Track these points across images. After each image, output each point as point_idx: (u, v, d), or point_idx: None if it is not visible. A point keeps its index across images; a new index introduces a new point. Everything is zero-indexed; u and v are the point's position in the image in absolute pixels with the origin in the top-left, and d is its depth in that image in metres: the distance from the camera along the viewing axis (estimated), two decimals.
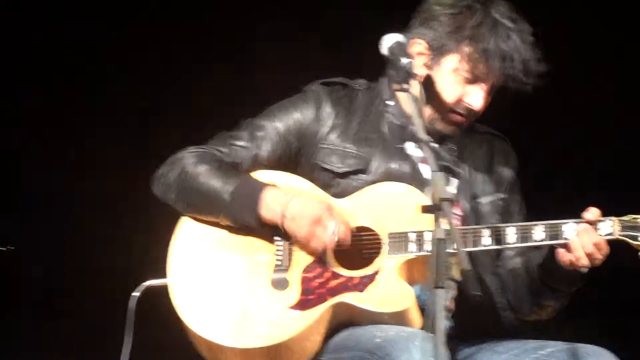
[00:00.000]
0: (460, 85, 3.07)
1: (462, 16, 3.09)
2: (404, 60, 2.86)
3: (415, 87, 2.90)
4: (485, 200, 3.24)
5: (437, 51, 3.09)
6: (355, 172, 3.16)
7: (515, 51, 3.04)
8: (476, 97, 3.07)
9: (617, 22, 4.68)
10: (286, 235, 3.03)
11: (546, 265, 3.06)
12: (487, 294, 3.22)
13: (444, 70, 3.09)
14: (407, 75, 2.84)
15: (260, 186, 3.04)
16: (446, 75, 3.08)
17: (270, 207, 3.00)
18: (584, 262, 2.92)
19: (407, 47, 2.96)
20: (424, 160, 2.93)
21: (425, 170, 3.00)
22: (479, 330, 3.18)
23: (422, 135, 2.67)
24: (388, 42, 2.90)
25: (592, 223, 2.93)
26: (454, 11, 3.10)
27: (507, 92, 3.10)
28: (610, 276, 3.57)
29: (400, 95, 3.13)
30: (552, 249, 3.01)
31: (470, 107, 3.09)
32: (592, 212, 2.94)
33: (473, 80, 3.06)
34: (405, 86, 2.84)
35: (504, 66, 3.04)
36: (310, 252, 3.04)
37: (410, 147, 3.15)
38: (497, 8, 3.08)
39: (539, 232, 2.97)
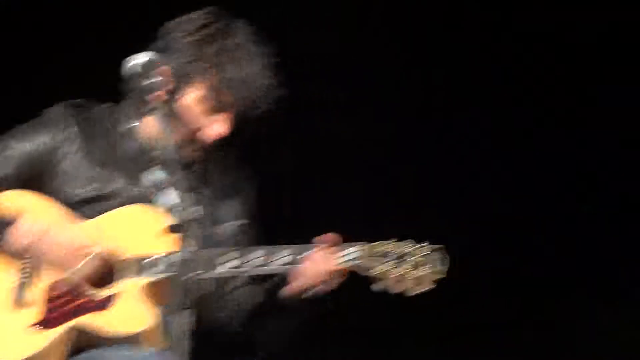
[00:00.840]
0: (204, 113, 3.10)
1: (203, 44, 3.10)
2: (148, 83, 2.87)
3: (160, 111, 2.91)
4: (228, 225, 3.28)
5: (180, 79, 3.09)
6: (99, 197, 3.14)
7: (257, 78, 3.10)
8: (219, 125, 3.11)
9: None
10: (29, 257, 3.00)
11: (272, 292, 3.13)
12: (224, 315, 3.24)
13: (188, 98, 3.11)
14: (151, 99, 2.87)
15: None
16: (190, 103, 3.11)
17: (13, 232, 2.99)
18: (314, 286, 3.01)
19: (151, 69, 2.91)
20: (169, 184, 2.91)
21: (171, 194, 2.97)
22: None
23: (168, 159, 2.77)
24: (132, 63, 2.88)
25: (330, 249, 3.01)
26: (194, 39, 3.11)
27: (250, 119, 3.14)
28: None
29: (146, 119, 3.13)
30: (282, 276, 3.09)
31: (213, 135, 3.13)
32: (325, 239, 3.03)
33: (217, 109, 3.10)
34: (149, 110, 2.88)
35: (245, 94, 3.08)
36: (53, 273, 3.01)
37: (155, 171, 3.08)
38: (238, 35, 3.13)
39: (283, 255, 3.04)
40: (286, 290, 3.09)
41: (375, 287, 3.00)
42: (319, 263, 3.04)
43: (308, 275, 3.04)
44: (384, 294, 3.00)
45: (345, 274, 3.03)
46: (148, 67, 2.89)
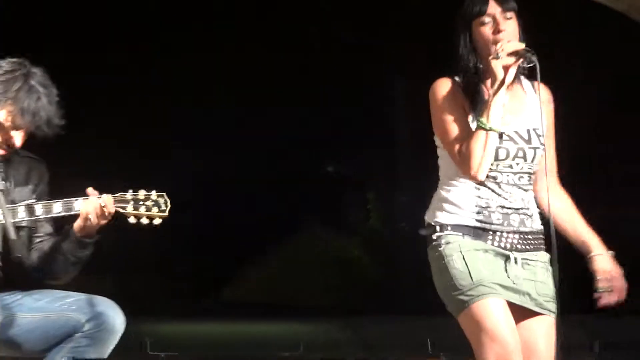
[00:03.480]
0: (7, 129, 4.04)
1: (8, 83, 4.02)
2: None
3: None
4: (21, 205, 4.08)
5: None
6: None
7: (42, 109, 4.00)
8: (16, 139, 4.06)
9: None
10: None
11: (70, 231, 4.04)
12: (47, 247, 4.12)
13: None
14: None
15: None
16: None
17: None
18: (93, 221, 3.97)
19: None
20: None
21: None
22: (22, 283, 4.07)
23: None
24: None
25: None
26: (3, 78, 4.03)
27: None
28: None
29: None
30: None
31: (12, 145, 4.07)
32: (89, 190, 4.00)
33: (14, 128, 4.05)
34: None
35: (34, 120, 4.00)
36: None
37: None
38: (35, 77, 4.05)
39: (57, 206, 3.99)
40: (75, 227, 4.02)
41: (131, 220, 4.04)
42: (87, 204, 3.98)
43: (83, 215, 3.98)
44: None
45: (109, 214, 4.01)
46: None
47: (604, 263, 4.05)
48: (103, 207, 3.97)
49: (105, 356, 3.99)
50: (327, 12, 13.84)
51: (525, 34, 4.01)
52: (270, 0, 13.98)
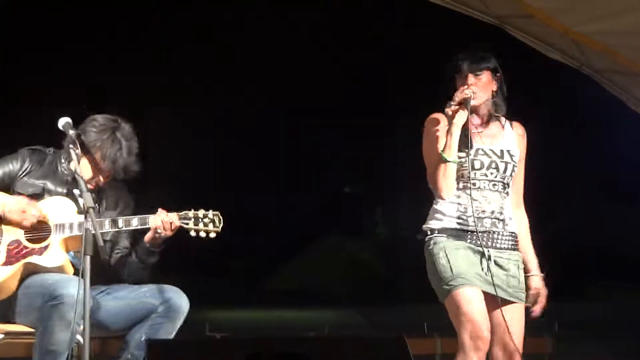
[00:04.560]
0: (94, 170, 4.02)
1: (100, 133, 4.03)
2: (68, 143, 3.89)
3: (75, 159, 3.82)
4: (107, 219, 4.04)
5: (88, 147, 4.00)
6: (38, 195, 3.98)
7: (121, 158, 3.99)
8: (101, 178, 4.05)
9: None
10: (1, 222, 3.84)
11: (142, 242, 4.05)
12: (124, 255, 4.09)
13: (89, 159, 4.01)
14: (73, 143, 3.85)
15: None
16: (88, 163, 4.03)
17: None
18: (162, 231, 3.91)
19: (69, 129, 3.90)
20: (80, 189, 3.75)
21: (79, 192, 3.79)
22: (106, 279, 4.06)
23: (78, 177, 3.69)
24: (62, 122, 3.90)
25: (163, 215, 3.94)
26: (97, 130, 4.03)
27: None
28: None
29: (72, 155, 3.97)
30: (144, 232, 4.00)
31: (97, 183, 4.05)
32: (160, 211, 3.94)
33: (98, 170, 4.03)
34: (69, 157, 3.86)
35: (113, 166, 4.00)
36: (21, 226, 3.83)
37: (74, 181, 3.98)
38: (121, 131, 4.04)
39: (135, 220, 3.94)
40: (146, 238, 4.00)
41: (192, 233, 3.97)
42: (158, 216, 3.93)
43: (154, 228, 3.94)
44: None
45: (175, 228, 3.95)
46: (67, 127, 3.89)
47: (536, 282, 4.10)
48: (170, 222, 3.96)
49: (174, 332, 3.96)
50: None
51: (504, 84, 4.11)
52: (313, 35, 13.74)
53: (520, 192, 4.19)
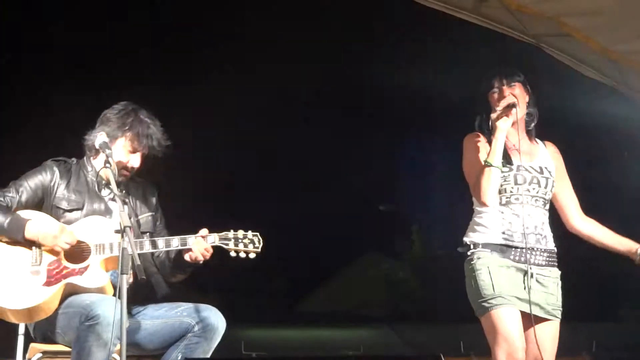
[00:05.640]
0: (127, 155, 4.02)
1: (123, 117, 4.04)
2: (90, 140, 3.97)
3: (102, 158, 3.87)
4: (142, 217, 4.11)
5: (112, 137, 4.01)
6: (74, 209, 3.97)
7: (153, 134, 4.02)
8: (135, 161, 4.04)
9: None
10: (40, 245, 3.83)
11: (177, 258, 4.02)
12: (148, 275, 3.98)
13: (117, 147, 4.01)
14: (106, 155, 3.84)
15: (23, 220, 3.85)
16: (119, 150, 4.02)
17: (30, 231, 3.83)
18: (200, 258, 3.92)
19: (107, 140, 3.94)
20: (113, 199, 3.81)
21: (115, 207, 3.87)
22: (145, 296, 4.02)
23: (113, 188, 3.67)
24: (100, 140, 3.96)
25: (204, 237, 3.93)
26: (119, 115, 4.05)
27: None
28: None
29: (95, 164, 4.05)
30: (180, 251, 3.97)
31: (132, 167, 4.04)
32: (202, 231, 3.93)
33: (133, 151, 4.03)
34: (108, 162, 3.82)
35: (147, 143, 4.01)
36: (53, 253, 3.83)
37: (105, 194, 4.03)
38: (142, 112, 4.06)
39: (175, 241, 3.92)
40: (185, 257, 3.95)
41: (232, 254, 3.96)
42: (200, 245, 3.92)
43: (194, 250, 3.92)
44: None
45: (212, 249, 3.93)
46: (103, 147, 3.91)
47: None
48: (209, 246, 3.95)
49: (211, 352, 3.92)
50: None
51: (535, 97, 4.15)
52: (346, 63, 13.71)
53: (577, 202, 4.19)
